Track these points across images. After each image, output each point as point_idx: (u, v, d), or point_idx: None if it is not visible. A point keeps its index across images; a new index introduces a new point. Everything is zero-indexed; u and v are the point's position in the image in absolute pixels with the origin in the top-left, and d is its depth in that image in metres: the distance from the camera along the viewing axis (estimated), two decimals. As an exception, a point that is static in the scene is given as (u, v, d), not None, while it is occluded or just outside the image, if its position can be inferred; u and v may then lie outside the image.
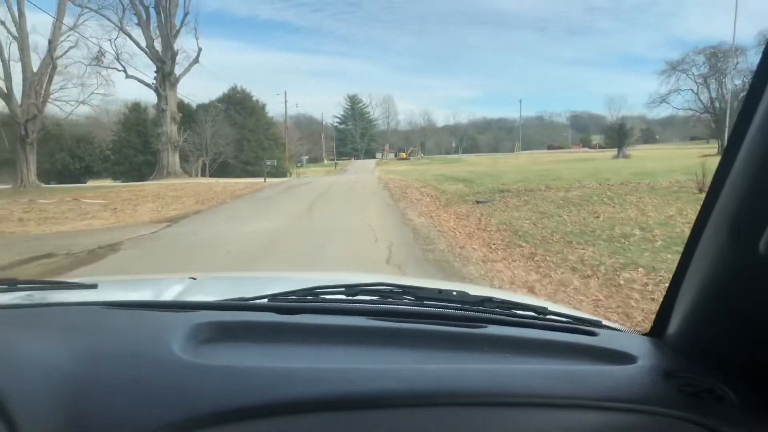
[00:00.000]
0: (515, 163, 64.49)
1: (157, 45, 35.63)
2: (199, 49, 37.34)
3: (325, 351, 0.97)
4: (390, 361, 0.95)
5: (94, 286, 1.39)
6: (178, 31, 35.41)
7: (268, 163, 31.65)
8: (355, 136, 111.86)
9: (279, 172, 45.27)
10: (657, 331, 1.07)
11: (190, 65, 36.99)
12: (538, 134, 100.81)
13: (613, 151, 67.52)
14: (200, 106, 47.58)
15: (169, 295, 1.52)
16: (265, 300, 1.19)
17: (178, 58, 37.18)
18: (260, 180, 31.60)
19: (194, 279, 1.73)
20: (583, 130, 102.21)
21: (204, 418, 0.75)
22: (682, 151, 54.43)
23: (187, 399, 0.77)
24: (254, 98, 50.32)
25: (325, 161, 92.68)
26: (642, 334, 1.15)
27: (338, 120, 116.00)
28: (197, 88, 54.36)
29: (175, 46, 35.53)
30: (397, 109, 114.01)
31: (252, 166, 47.40)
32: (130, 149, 43.90)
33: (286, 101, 50.70)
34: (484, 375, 0.89)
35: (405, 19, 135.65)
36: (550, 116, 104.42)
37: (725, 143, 0.81)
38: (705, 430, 0.82)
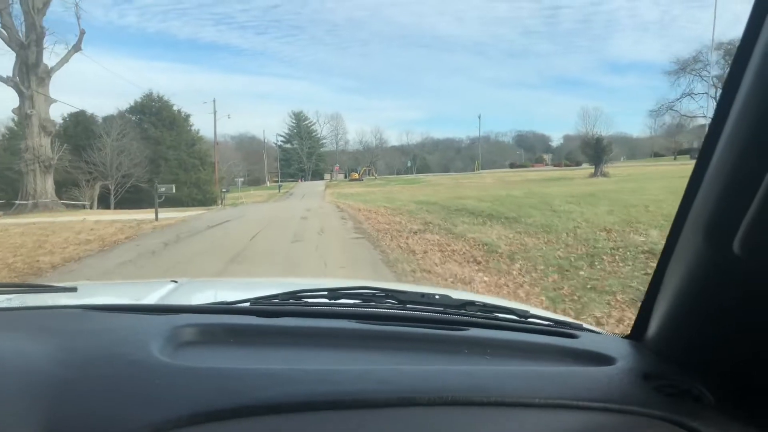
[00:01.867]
0: (483, 183, 57.88)
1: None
2: (82, 32, 27.57)
3: (307, 353, 0.98)
4: (372, 363, 0.95)
5: (73, 290, 1.37)
6: (46, 4, 25.47)
7: (162, 189, 22.02)
8: (301, 156, 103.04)
9: (206, 199, 36.11)
10: (637, 334, 1.07)
11: (69, 53, 27.06)
12: (488, 153, 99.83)
13: (585, 169, 62.69)
14: (107, 118, 38.06)
15: (150, 298, 1.51)
16: (248, 303, 1.19)
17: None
18: (169, 213, 22.38)
19: (176, 282, 1.70)
20: (530, 149, 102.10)
21: (182, 419, 0.75)
22: (667, 167, 48.90)
23: (166, 400, 0.77)
24: (175, 108, 41.09)
25: (269, 183, 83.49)
26: (622, 337, 1.15)
27: (283, 138, 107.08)
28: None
29: (44, 25, 25.48)
30: (347, 127, 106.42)
31: (170, 191, 38.45)
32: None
33: (215, 111, 42.05)
34: (463, 376, 0.90)
35: (348, 42, 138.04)
36: (496, 136, 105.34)
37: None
38: (682, 430, 0.82)
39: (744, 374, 0.84)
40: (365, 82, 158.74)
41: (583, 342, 1.08)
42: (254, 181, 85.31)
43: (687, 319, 0.90)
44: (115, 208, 33.18)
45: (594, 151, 55.24)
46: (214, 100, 41.79)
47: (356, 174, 78.08)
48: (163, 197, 21.04)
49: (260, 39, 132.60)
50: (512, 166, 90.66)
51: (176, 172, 38.28)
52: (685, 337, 0.92)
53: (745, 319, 0.79)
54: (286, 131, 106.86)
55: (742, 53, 0.73)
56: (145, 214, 21.36)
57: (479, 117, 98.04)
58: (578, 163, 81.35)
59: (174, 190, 21.58)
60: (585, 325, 1.29)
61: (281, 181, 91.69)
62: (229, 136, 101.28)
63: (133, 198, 36.02)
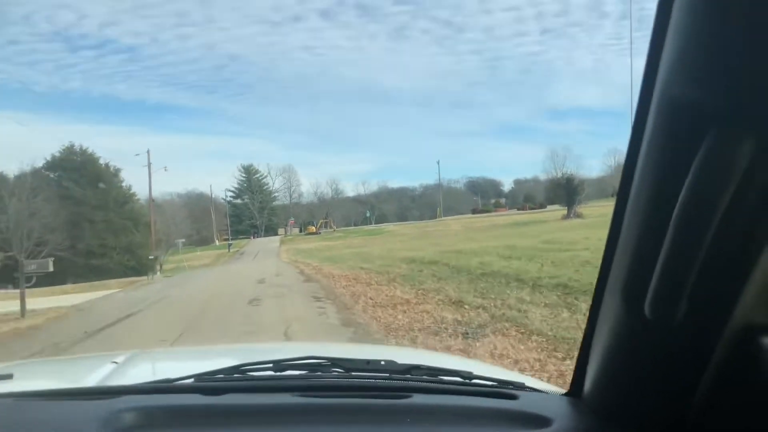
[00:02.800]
0: (453, 230, 54.13)
1: None
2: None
3: None
4: None
5: (9, 377, 1.33)
6: None
7: (32, 267, 15.83)
8: (253, 211, 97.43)
9: (141, 266, 30.49)
10: (575, 391, 1.08)
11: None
12: (444, 200, 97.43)
13: (553, 211, 60.13)
14: (20, 177, 32.31)
15: (90, 380, 1.46)
16: (192, 380, 1.16)
17: None
18: (71, 296, 17.01)
19: (116, 363, 1.65)
20: (483, 195, 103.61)
21: None
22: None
23: None
24: (101, 161, 35.56)
25: (217, 242, 77.42)
26: (562, 395, 1.17)
27: (232, 194, 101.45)
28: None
29: None
30: (300, 179, 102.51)
31: (98, 258, 32.44)
32: None
33: (149, 163, 36.73)
34: None
35: (297, 99, 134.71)
36: (448, 183, 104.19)
37: None
38: None
39: (671, 428, 0.85)
40: (316, 137, 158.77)
41: (522, 403, 1.10)
42: (202, 241, 79.12)
43: (616, 376, 0.92)
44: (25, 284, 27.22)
45: (565, 191, 52.80)
46: (148, 151, 36.70)
47: (313, 227, 73.06)
48: (34, 277, 15.40)
49: (210, 98, 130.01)
50: (474, 211, 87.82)
51: (103, 236, 32.80)
52: (616, 394, 0.93)
53: (664, 376, 0.82)
54: (236, 186, 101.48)
55: (636, 128, 0.75)
56: (41, 299, 15.89)
57: (438, 163, 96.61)
58: (542, 206, 79.37)
59: (51, 267, 16.07)
60: (528, 383, 1.32)
61: (232, 239, 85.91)
62: (176, 194, 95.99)
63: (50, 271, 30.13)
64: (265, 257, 40.60)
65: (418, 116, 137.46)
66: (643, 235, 0.76)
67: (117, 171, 36.40)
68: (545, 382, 1.48)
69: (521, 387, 1.25)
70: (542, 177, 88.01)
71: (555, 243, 15.68)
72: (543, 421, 1.00)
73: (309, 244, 53.25)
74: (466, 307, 8.25)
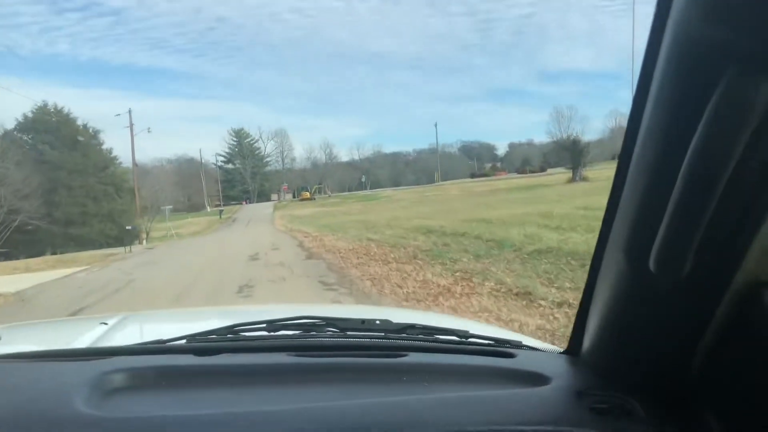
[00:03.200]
0: (451, 195, 52.01)
1: None
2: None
3: (245, 393, 0.96)
4: (308, 399, 0.94)
5: None
6: None
7: None
8: (244, 176, 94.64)
9: (125, 235, 28.13)
10: (573, 349, 1.08)
11: None
12: (437, 165, 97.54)
13: (556, 174, 58.05)
14: (-9, 139, 29.59)
15: (81, 341, 1.45)
16: (184, 341, 1.15)
17: None
18: (32, 275, 14.75)
19: (106, 324, 1.62)
20: (477, 159, 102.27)
21: None
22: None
23: None
24: (79, 123, 32.69)
25: (209, 208, 74.95)
26: (560, 353, 1.16)
27: (223, 159, 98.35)
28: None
29: None
30: (293, 144, 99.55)
31: (77, 227, 29.89)
32: None
33: (131, 124, 33.82)
34: (399, 407, 0.90)
35: (287, 62, 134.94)
36: (442, 147, 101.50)
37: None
38: None
39: (671, 386, 0.86)
40: (308, 100, 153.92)
41: (520, 361, 1.09)
42: (193, 207, 76.70)
43: (616, 335, 0.91)
44: (-2, 255, 24.82)
45: (571, 154, 50.61)
46: (129, 111, 33.69)
47: (307, 193, 70.67)
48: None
49: (198, 62, 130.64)
50: (473, 176, 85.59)
51: (83, 202, 30.05)
52: (615, 352, 0.94)
53: (667, 334, 0.82)
54: (227, 150, 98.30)
55: (643, 77, 0.73)
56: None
57: (435, 126, 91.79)
58: (542, 169, 77.35)
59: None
60: (524, 342, 1.30)
61: (224, 205, 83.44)
62: (166, 160, 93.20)
63: (25, 240, 27.73)
64: (258, 224, 38.39)
65: (410, 80, 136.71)
66: (649, 188, 0.74)
67: (96, 132, 33.26)
68: (542, 342, 1.47)
69: (518, 345, 1.23)
70: (538, 140, 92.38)
71: (591, 209, 13.51)
72: (541, 378, 0.99)
73: (304, 210, 51.05)
74: (542, 303, 5.99)
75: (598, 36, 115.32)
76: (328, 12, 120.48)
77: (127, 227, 22.10)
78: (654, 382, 0.88)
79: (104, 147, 33.74)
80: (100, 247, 28.30)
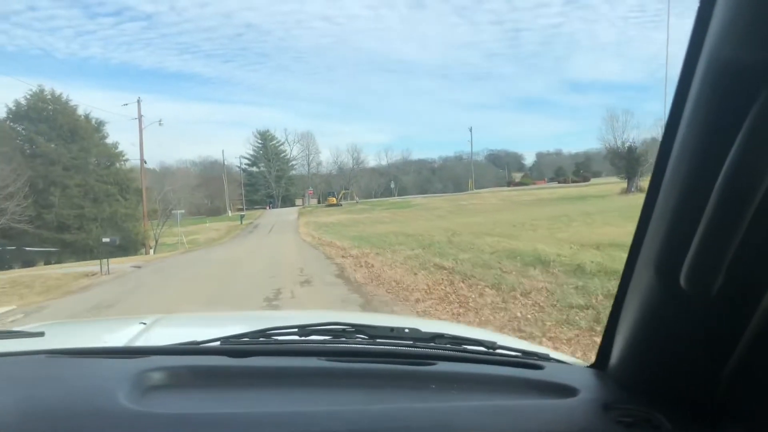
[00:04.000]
0: (495, 205, 47.32)
1: None
2: None
3: (276, 394, 0.99)
4: (339, 402, 0.96)
5: (40, 334, 1.36)
6: None
7: None
8: (269, 180, 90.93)
9: (130, 243, 24.05)
10: (600, 363, 1.09)
11: None
12: (466, 173, 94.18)
13: (605, 184, 53.10)
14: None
15: (118, 340, 1.51)
16: (218, 343, 1.19)
17: None
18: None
19: (144, 324, 1.67)
20: (504, 168, 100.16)
21: None
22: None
23: None
24: (79, 111, 28.63)
25: (230, 213, 71.20)
26: (587, 366, 1.17)
27: (247, 161, 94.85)
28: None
29: None
30: (319, 147, 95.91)
31: (72, 232, 25.88)
32: None
33: (140, 116, 29.70)
34: (428, 413, 0.91)
35: (314, 68, 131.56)
36: (468, 155, 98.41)
37: None
38: None
39: (698, 402, 0.86)
40: (333, 107, 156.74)
41: (548, 373, 1.10)
42: (214, 211, 73.17)
43: (645, 349, 0.92)
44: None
45: (626, 162, 45.62)
46: (138, 100, 29.59)
47: (333, 198, 66.39)
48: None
49: (226, 67, 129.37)
50: (510, 184, 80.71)
51: (80, 203, 26.08)
52: (644, 367, 0.94)
53: (697, 349, 0.82)
54: (251, 153, 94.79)
55: (678, 95, 0.74)
56: None
57: (470, 130, 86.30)
58: (585, 178, 72.25)
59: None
60: (552, 355, 1.31)
61: (246, 209, 79.74)
62: (191, 162, 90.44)
63: (8, 244, 23.77)
64: (281, 232, 34.19)
65: (436, 88, 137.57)
66: (682, 204, 0.74)
67: (100, 124, 29.26)
68: (570, 355, 1.47)
69: (546, 358, 1.24)
70: (567, 149, 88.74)
71: None
72: (569, 390, 0.99)
73: (330, 216, 46.87)
74: None
75: (626, 47, 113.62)
76: (356, 20, 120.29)
77: (103, 239, 17.79)
78: (682, 396, 0.88)
79: (109, 141, 29.73)
80: (98, 257, 24.31)
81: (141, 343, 1.48)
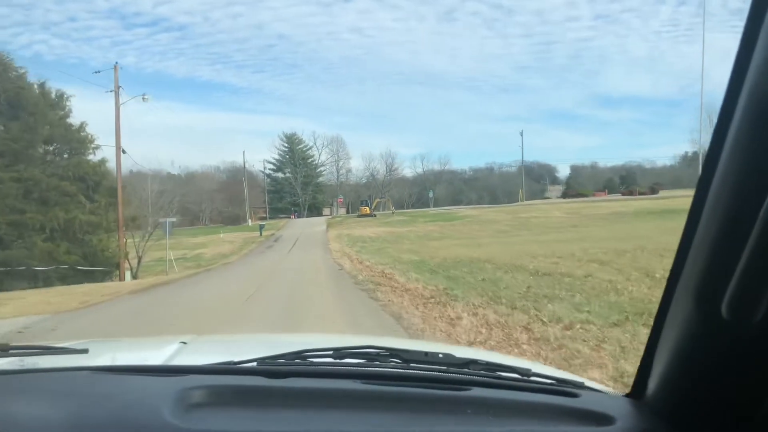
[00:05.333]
0: (558, 218, 39.00)
1: None
2: None
3: (312, 415, 0.99)
4: (375, 425, 0.97)
5: (84, 351, 1.38)
6: None
7: None
8: (295, 187, 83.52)
9: (98, 263, 16.35)
10: (637, 393, 1.08)
11: None
12: (500, 185, 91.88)
13: (681, 197, 44.45)
14: None
15: (159, 358, 1.53)
16: (254, 363, 1.21)
17: None
18: None
19: (185, 343, 1.71)
20: (537, 179, 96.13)
21: None
22: None
23: None
24: (32, 80, 20.81)
25: (251, 222, 63.74)
26: (623, 395, 1.16)
27: (272, 166, 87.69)
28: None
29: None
30: (349, 153, 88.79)
31: (4, 246, 18.18)
32: None
33: (117, 87, 21.89)
34: None
35: (344, 79, 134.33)
36: (500, 167, 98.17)
37: None
38: None
39: None
40: (362, 118, 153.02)
41: (584, 401, 1.08)
42: (233, 219, 66.08)
43: (683, 379, 0.90)
44: None
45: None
46: (115, 65, 21.82)
47: (367, 208, 58.36)
48: None
49: (257, 77, 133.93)
50: (566, 195, 71.94)
51: (18, 206, 18.26)
52: (681, 397, 0.92)
53: (737, 379, 0.81)
54: (277, 157, 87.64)
55: (721, 119, 0.74)
56: None
57: (521, 134, 77.01)
58: (653, 190, 63.26)
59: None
60: (587, 383, 1.31)
61: (269, 218, 72.41)
62: (214, 168, 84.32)
63: None
64: (306, 248, 26.37)
65: (465, 99, 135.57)
66: (724, 231, 0.73)
67: (61, 97, 21.35)
68: (605, 385, 1.42)
69: (581, 386, 1.23)
70: (603, 163, 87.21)
71: None
72: (605, 419, 0.98)
73: (365, 229, 39.09)
74: None
75: (658, 62, 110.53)
76: (386, 32, 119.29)
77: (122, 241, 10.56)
78: (720, 428, 0.85)
79: (74, 121, 21.76)
80: (44, 283, 16.60)
81: (179, 361, 1.50)
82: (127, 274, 20.17)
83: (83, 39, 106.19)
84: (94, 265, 18.73)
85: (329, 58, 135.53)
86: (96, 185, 21.32)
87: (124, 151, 20.73)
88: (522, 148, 71.68)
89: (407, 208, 72.57)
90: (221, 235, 42.93)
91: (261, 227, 42.70)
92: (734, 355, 0.78)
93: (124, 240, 21.04)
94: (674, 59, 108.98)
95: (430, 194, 76.25)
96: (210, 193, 79.94)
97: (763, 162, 0.66)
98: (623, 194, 66.35)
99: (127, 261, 21.78)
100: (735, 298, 0.70)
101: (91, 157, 22.26)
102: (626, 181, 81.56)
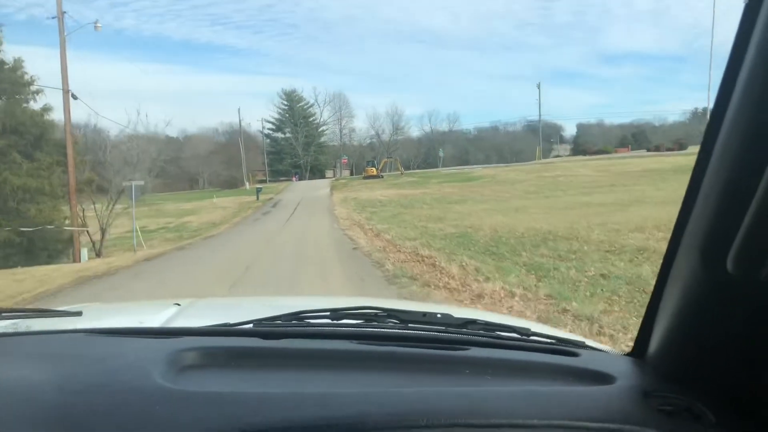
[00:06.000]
0: (586, 176, 34.71)
1: None
2: None
3: (308, 375, 0.99)
4: (372, 384, 0.96)
5: (78, 314, 1.38)
6: None
7: None
8: (296, 147, 78.79)
9: (48, 241, 12.16)
10: (638, 351, 1.07)
11: None
12: (507, 143, 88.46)
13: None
14: None
15: (153, 321, 1.52)
16: (250, 325, 1.20)
17: None
18: None
19: (179, 305, 1.70)
20: (546, 138, 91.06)
21: None
22: None
23: (165, 426, 0.79)
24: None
25: (248, 185, 59.41)
26: (624, 354, 1.15)
27: (271, 126, 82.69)
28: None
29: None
30: (352, 111, 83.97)
31: None
32: None
33: (62, 13, 17.30)
34: (462, 397, 0.90)
35: (344, 39, 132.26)
36: (504, 126, 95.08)
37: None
38: None
39: (744, 393, 0.83)
40: (363, 78, 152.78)
41: (584, 360, 1.08)
42: (230, 183, 61.84)
43: (686, 337, 0.90)
44: None
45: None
46: (60, 10, 17.16)
47: (373, 169, 53.94)
48: None
49: (256, 38, 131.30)
50: (585, 152, 67.33)
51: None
52: (685, 355, 0.92)
53: (742, 337, 0.79)
54: (276, 116, 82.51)
55: (728, 72, 0.73)
56: None
57: (538, 86, 70.97)
58: (681, 146, 58.70)
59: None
60: (587, 342, 1.28)
61: (270, 181, 68.08)
62: (213, 130, 79.67)
63: None
64: (309, 216, 22.29)
65: (467, 58, 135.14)
66: (730, 185, 0.72)
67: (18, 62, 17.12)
68: (606, 344, 1.29)
69: (581, 345, 1.21)
70: (608, 121, 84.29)
71: None
72: (605, 378, 0.97)
73: (374, 191, 34.98)
74: None
75: (662, 16, 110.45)
76: None
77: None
78: (726, 387, 0.85)
79: (3, 58, 17.19)
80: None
81: (176, 324, 1.47)
82: (85, 253, 16.09)
83: (79, 0, 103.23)
84: (36, 242, 14.55)
85: (328, 18, 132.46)
86: (37, 140, 16.86)
87: (74, 96, 16.27)
88: (539, 102, 66.62)
89: (414, 169, 68.17)
90: (214, 200, 38.81)
91: (258, 191, 38.45)
92: (740, 312, 0.76)
93: (80, 209, 16.83)
94: (679, 12, 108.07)
95: (440, 153, 71.78)
96: (208, 155, 75.52)
97: None
98: (650, 150, 61.81)
99: (88, 235, 17.68)
100: (741, 252, 0.69)
101: (33, 105, 17.81)
102: (638, 138, 78.17)
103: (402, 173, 54.70)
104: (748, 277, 0.70)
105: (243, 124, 74.66)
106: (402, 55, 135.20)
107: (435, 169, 62.25)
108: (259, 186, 43.45)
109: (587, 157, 61.11)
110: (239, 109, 63.00)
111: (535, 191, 28.41)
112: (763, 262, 0.67)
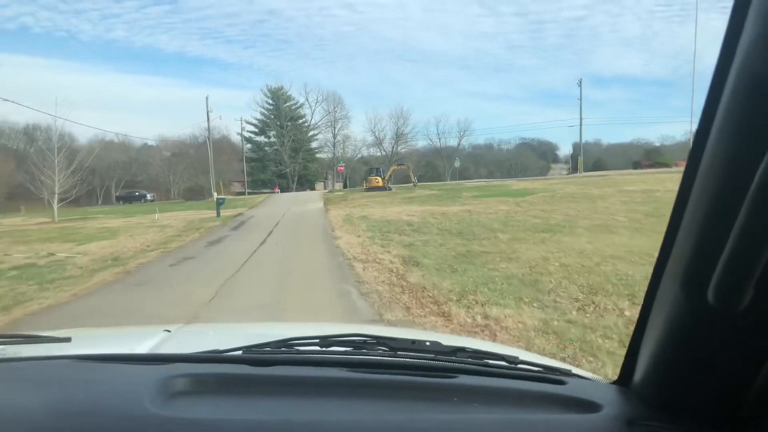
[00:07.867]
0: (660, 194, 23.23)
1: None
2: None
3: (298, 403, 0.99)
4: (361, 412, 0.96)
5: (67, 340, 1.37)
6: None
7: None
8: (281, 153, 66.63)
9: None
10: (624, 379, 1.07)
11: None
12: (510, 158, 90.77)
13: None
14: None
15: (143, 347, 1.51)
16: (240, 352, 1.20)
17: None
18: None
19: (169, 331, 1.68)
20: (542, 157, 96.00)
21: None
22: None
23: None
24: None
25: (215, 195, 47.09)
26: (610, 383, 1.16)
27: (253, 129, 70.53)
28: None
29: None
30: (348, 113, 73.83)
31: None
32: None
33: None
34: (450, 426, 0.90)
35: (335, 56, 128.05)
36: (498, 144, 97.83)
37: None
38: None
39: (725, 422, 0.84)
40: (353, 95, 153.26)
41: (570, 388, 1.08)
42: (197, 193, 49.61)
43: (670, 366, 0.90)
44: None
45: None
46: None
47: (378, 178, 42.00)
48: None
49: (247, 53, 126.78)
50: (638, 165, 56.92)
51: None
52: (669, 383, 0.92)
53: (723, 366, 0.81)
54: (259, 117, 70.36)
55: (708, 105, 0.73)
56: None
57: (580, 83, 59.02)
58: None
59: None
60: (574, 371, 1.28)
61: (250, 192, 55.96)
62: (190, 136, 67.89)
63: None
64: (290, 247, 10.23)
65: (457, 78, 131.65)
66: (711, 217, 0.73)
67: None
68: (592, 373, 1.45)
69: (568, 373, 1.22)
70: (606, 141, 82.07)
71: None
72: (592, 406, 0.98)
73: (388, 207, 23.54)
74: None
75: (650, 42, 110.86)
76: (378, 8, 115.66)
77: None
78: (708, 415, 0.85)
79: None
80: None
81: (165, 350, 1.46)
82: None
83: (71, 11, 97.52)
84: None
85: (320, 35, 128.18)
86: None
87: None
88: (580, 101, 54.60)
89: (420, 181, 56.90)
90: (156, 216, 26.54)
91: (218, 203, 26.29)
92: (720, 342, 0.77)
93: None
94: (667, 39, 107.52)
95: (456, 163, 59.86)
96: (175, 161, 63.36)
97: (748, 150, 0.64)
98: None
99: None
100: (721, 284, 0.69)
101: None
102: (652, 157, 69.58)
103: (416, 184, 42.83)
104: (728, 309, 0.71)
105: (223, 125, 62.73)
106: (392, 73, 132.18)
107: (443, 183, 50.68)
108: (221, 197, 31.08)
109: (646, 170, 50.41)
110: (207, 97, 50.43)
111: (654, 213, 16.65)
112: (743, 293, 0.68)
